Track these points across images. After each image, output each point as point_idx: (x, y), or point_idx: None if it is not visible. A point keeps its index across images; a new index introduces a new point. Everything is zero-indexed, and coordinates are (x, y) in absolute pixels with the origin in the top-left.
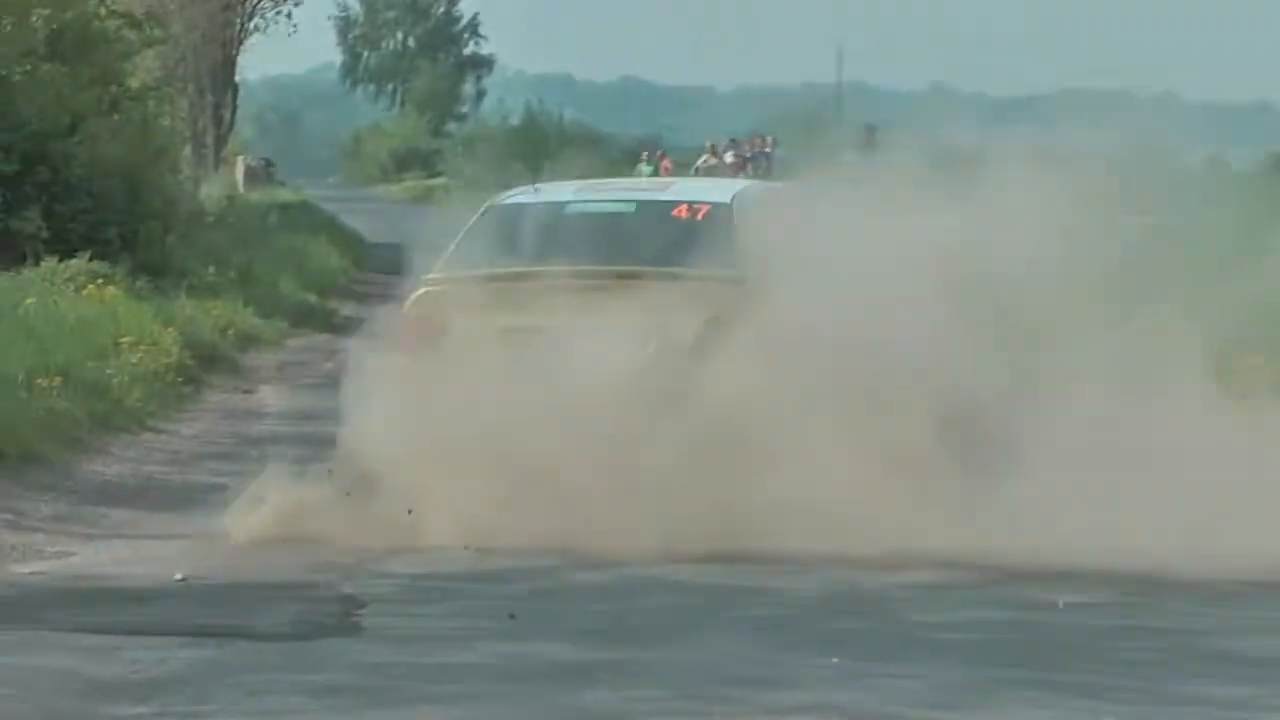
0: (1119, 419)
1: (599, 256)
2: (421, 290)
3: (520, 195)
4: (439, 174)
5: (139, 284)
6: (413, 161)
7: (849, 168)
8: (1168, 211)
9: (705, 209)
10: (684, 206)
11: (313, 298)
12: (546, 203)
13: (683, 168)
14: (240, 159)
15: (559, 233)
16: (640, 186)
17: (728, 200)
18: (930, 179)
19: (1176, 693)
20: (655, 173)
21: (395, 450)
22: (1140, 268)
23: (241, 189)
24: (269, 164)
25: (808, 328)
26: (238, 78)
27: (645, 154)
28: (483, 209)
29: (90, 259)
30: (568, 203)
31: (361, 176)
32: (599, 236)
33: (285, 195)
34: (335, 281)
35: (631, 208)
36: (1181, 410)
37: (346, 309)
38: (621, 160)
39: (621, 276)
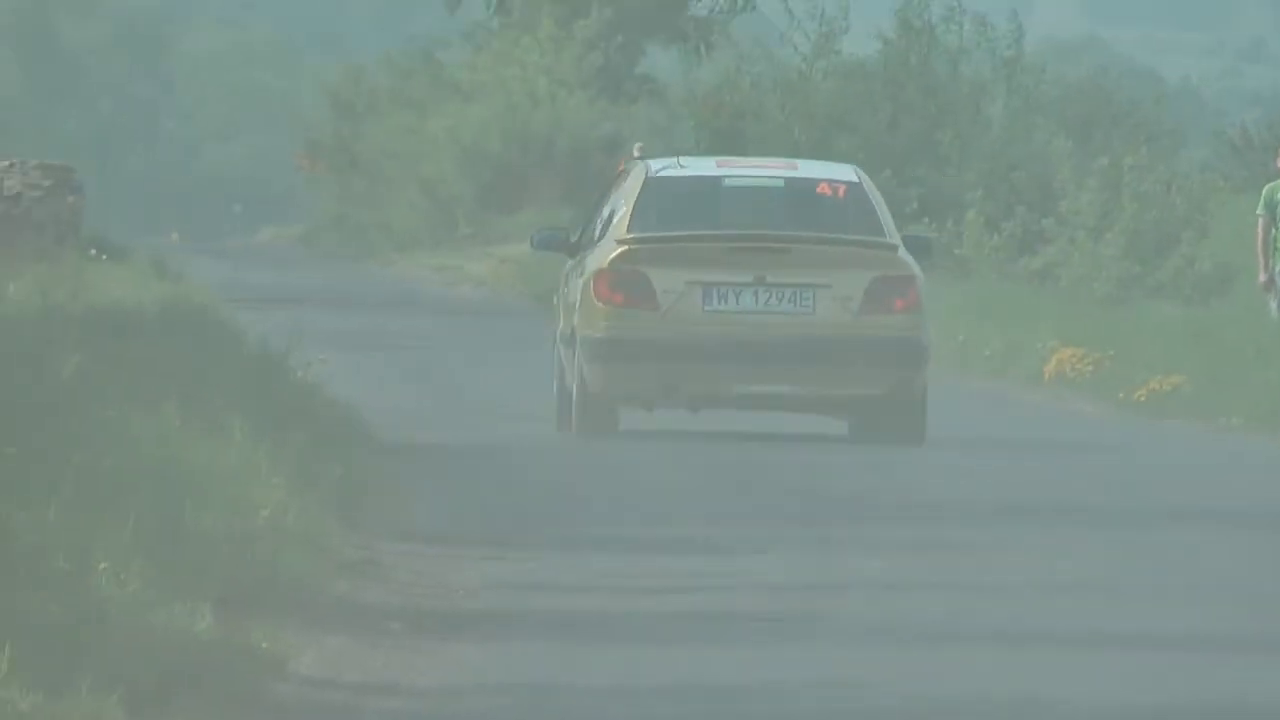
0: None
1: (765, 223)
2: (619, 249)
3: (669, 168)
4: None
5: None
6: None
7: None
8: None
9: (844, 187)
10: (825, 184)
11: None
12: (702, 175)
13: None
14: None
15: (725, 201)
16: (771, 164)
17: (857, 179)
18: None
19: None
20: None
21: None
22: None
23: None
24: (67, 189)
25: None
26: None
27: None
28: (642, 179)
29: None
30: (723, 177)
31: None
32: (760, 206)
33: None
34: None
35: (780, 183)
36: None
37: None
38: None
39: (792, 241)
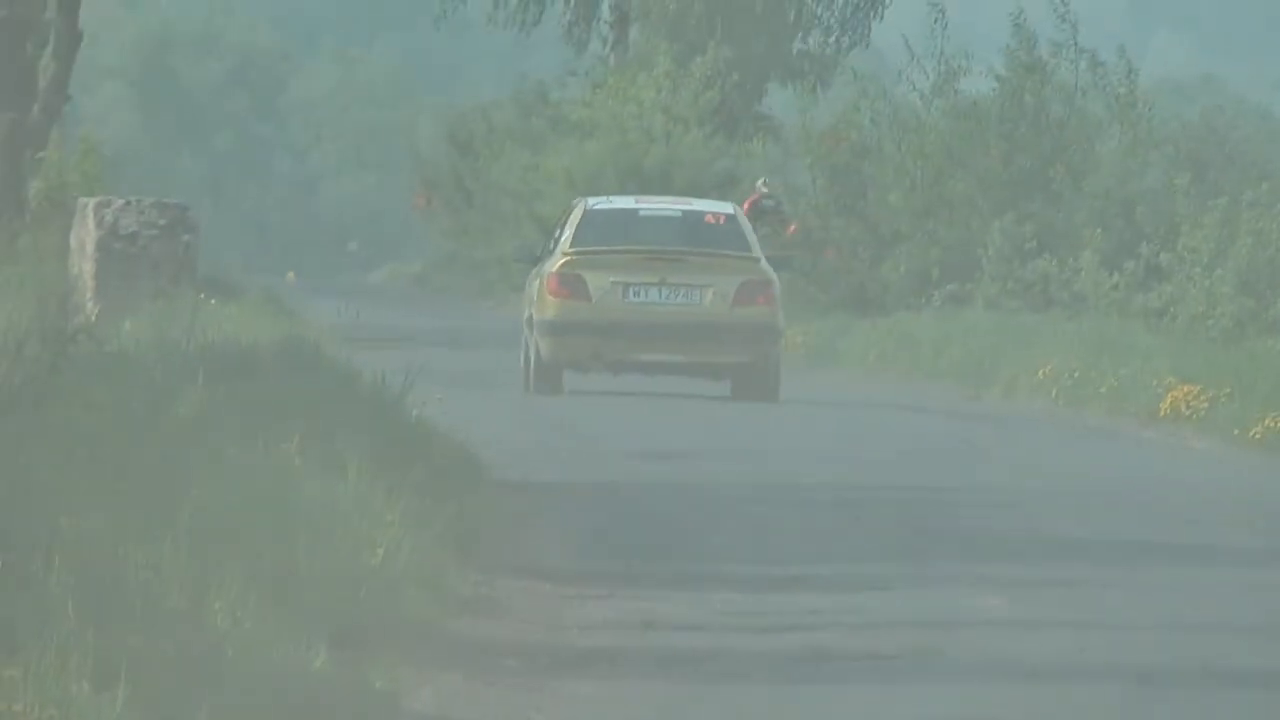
0: None
1: (667, 242)
2: (564, 259)
3: (601, 202)
4: None
5: None
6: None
7: None
8: None
9: (724, 216)
10: (710, 215)
11: None
12: (624, 208)
13: None
14: (91, 207)
15: (639, 226)
16: (673, 201)
17: (733, 212)
18: None
19: None
20: None
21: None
22: None
23: (91, 300)
24: (182, 228)
25: None
26: None
27: None
28: (582, 211)
29: None
30: (639, 209)
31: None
32: (664, 230)
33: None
34: None
35: (679, 214)
36: None
37: None
38: None
39: (686, 254)
